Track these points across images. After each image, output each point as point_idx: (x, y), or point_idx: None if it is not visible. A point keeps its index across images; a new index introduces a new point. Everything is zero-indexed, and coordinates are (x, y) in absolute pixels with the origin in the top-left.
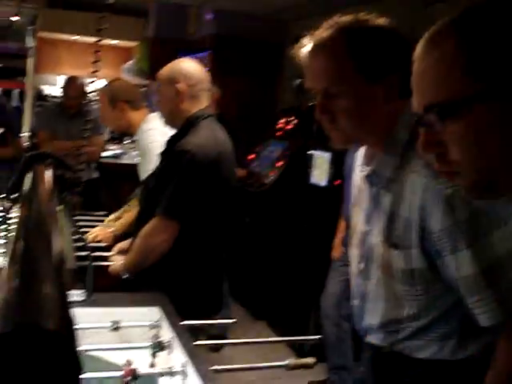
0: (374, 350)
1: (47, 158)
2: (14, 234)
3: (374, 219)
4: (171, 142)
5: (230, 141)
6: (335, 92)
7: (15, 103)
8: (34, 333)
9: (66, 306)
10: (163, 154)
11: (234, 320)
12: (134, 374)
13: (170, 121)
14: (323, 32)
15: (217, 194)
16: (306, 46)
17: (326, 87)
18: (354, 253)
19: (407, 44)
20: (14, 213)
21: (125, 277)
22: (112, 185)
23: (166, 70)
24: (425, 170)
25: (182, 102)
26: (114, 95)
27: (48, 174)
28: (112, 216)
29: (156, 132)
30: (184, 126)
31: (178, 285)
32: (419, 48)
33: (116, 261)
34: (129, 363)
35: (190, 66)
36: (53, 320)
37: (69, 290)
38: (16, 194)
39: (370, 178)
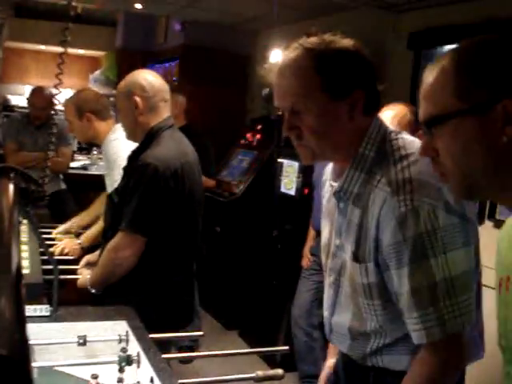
0: (346, 360)
1: (11, 171)
2: None
3: (345, 233)
4: (133, 156)
5: (196, 150)
6: (302, 108)
7: None
8: None
9: (21, 326)
10: (126, 168)
11: (202, 333)
12: None
13: (131, 134)
14: (291, 52)
15: (181, 205)
16: (275, 66)
17: (293, 104)
18: (327, 264)
19: (369, 64)
20: None
21: (93, 291)
22: (80, 196)
23: (123, 83)
24: (387, 187)
25: (140, 114)
26: (81, 105)
27: (11, 188)
28: (60, 228)
29: (122, 142)
30: (145, 138)
31: (148, 297)
32: (427, 68)
33: (83, 274)
34: (95, 378)
35: (146, 78)
36: (5, 343)
37: (24, 308)
38: None
39: (338, 195)
